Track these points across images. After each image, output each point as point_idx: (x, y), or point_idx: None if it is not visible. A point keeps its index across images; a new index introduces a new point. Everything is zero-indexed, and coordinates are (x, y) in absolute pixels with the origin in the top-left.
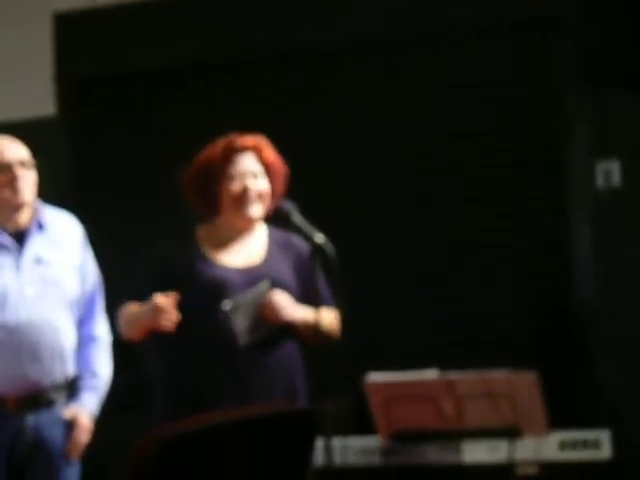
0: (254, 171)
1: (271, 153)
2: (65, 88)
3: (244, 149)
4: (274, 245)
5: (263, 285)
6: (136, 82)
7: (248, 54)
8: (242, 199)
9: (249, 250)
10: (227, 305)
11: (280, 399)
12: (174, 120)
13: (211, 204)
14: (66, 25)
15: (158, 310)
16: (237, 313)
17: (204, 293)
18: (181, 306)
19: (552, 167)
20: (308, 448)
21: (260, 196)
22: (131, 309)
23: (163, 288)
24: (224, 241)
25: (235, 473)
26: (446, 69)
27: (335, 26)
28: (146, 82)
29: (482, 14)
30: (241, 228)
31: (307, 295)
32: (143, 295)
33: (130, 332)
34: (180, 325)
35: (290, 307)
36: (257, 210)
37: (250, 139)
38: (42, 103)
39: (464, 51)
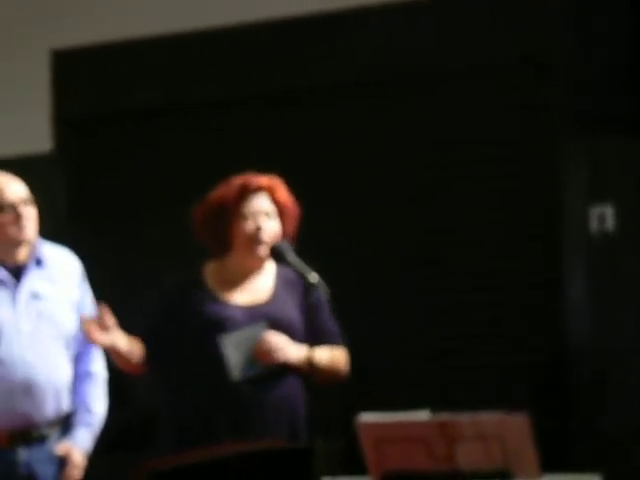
0: (267, 211)
1: (284, 194)
2: (62, 125)
3: (259, 189)
4: (281, 283)
5: (260, 325)
6: (133, 120)
7: (247, 94)
8: (254, 239)
9: (256, 288)
10: (223, 339)
11: (277, 437)
12: (171, 158)
13: (223, 242)
14: (64, 62)
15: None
16: (231, 348)
17: (207, 331)
18: (185, 343)
19: (546, 211)
20: None
21: (272, 237)
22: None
23: (168, 326)
24: (232, 279)
25: None
26: (440, 111)
27: (341, 66)
28: (143, 120)
29: (476, 58)
30: (250, 267)
31: (312, 333)
32: (152, 334)
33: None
34: (182, 362)
35: (285, 348)
36: (265, 250)
37: (265, 179)
38: (39, 140)
39: (458, 94)
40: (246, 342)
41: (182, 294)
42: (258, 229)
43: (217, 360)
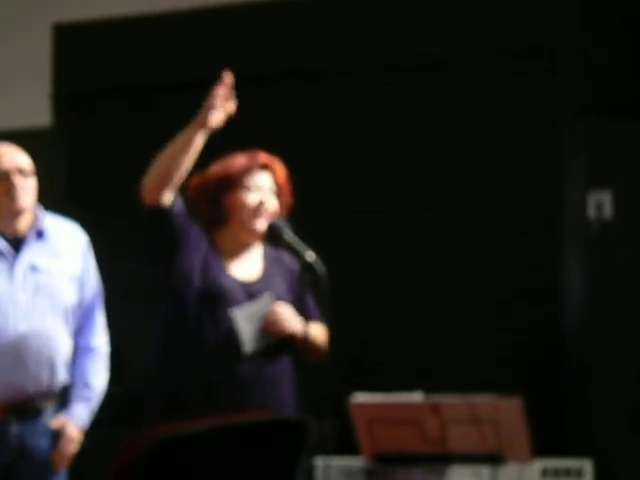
0: (270, 188)
1: (283, 174)
2: (62, 99)
3: (264, 166)
4: (268, 261)
5: (268, 297)
6: (133, 96)
7: (245, 72)
8: (255, 212)
9: (248, 264)
10: (234, 313)
11: (270, 410)
12: (170, 135)
13: (220, 214)
14: (65, 36)
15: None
16: (243, 321)
17: (208, 300)
18: (183, 311)
19: (544, 197)
20: (296, 459)
21: (270, 213)
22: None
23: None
24: (226, 252)
25: (221, 477)
26: (444, 94)
27: (349, 48)
28: (143, 96)
29: (479, 43)
30: (243, 241)
31: (299, 311)
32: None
33: (169, 168)
34: (177, 331)
35: (293, 319)
36: (263, 226)
37: (269, 158)
38: (38, 113)
39: (460, 79)
40: (256, 315)
41: (202, 240)
42: (261, 203)
43: (214, 332)
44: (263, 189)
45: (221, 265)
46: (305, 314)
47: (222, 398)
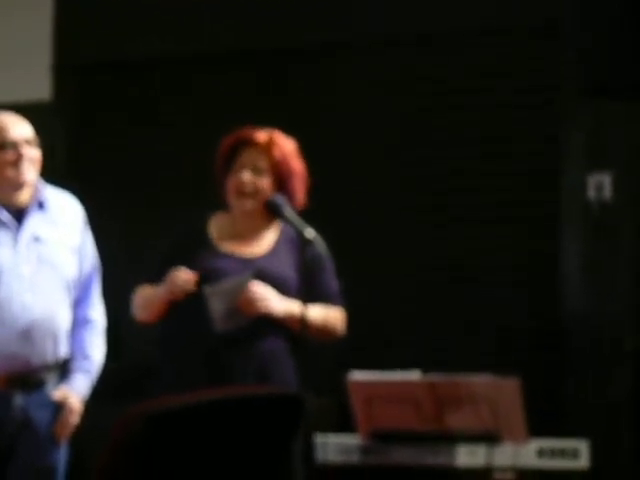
0: (256, 165)
1: (283, 150)
2: (62, 72)
3: (252, 144)
4: (283, 240)
5: (246, 275)
6: (134, 69)
7: (249, 47)
8: (238, 192)
9: (255, 242)
10: (206, 290)
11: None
12: (171, 108)
13: (224, 195)
14: (67, 9)
15: (173, 281)
16: (214, 299)
17: (200, 280)
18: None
19: (544, 178)
20: (293, 433)
21: (256, 191)
22: (146, 290)
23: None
24: (232, 231)
25: (218, 451)
26: (444, 74)
27: (349, 25)
28: (144, 70)
29: (481, 21)
30: (242, 221)
31: (309, 291)
32: (156, 278)
33: (144, 314)
34: (175, 311)
35: (269, 300)
36: (248, 204)
37: (262, 134)
38: (39, 86)
39: (461, 58)
40: (231, 293)
41: (184, 241)
42: (240, 182)
43: (200, 310)
44: (246, 167)
45: (212, 248)
46: (313, 293)
47: (201, 378)
